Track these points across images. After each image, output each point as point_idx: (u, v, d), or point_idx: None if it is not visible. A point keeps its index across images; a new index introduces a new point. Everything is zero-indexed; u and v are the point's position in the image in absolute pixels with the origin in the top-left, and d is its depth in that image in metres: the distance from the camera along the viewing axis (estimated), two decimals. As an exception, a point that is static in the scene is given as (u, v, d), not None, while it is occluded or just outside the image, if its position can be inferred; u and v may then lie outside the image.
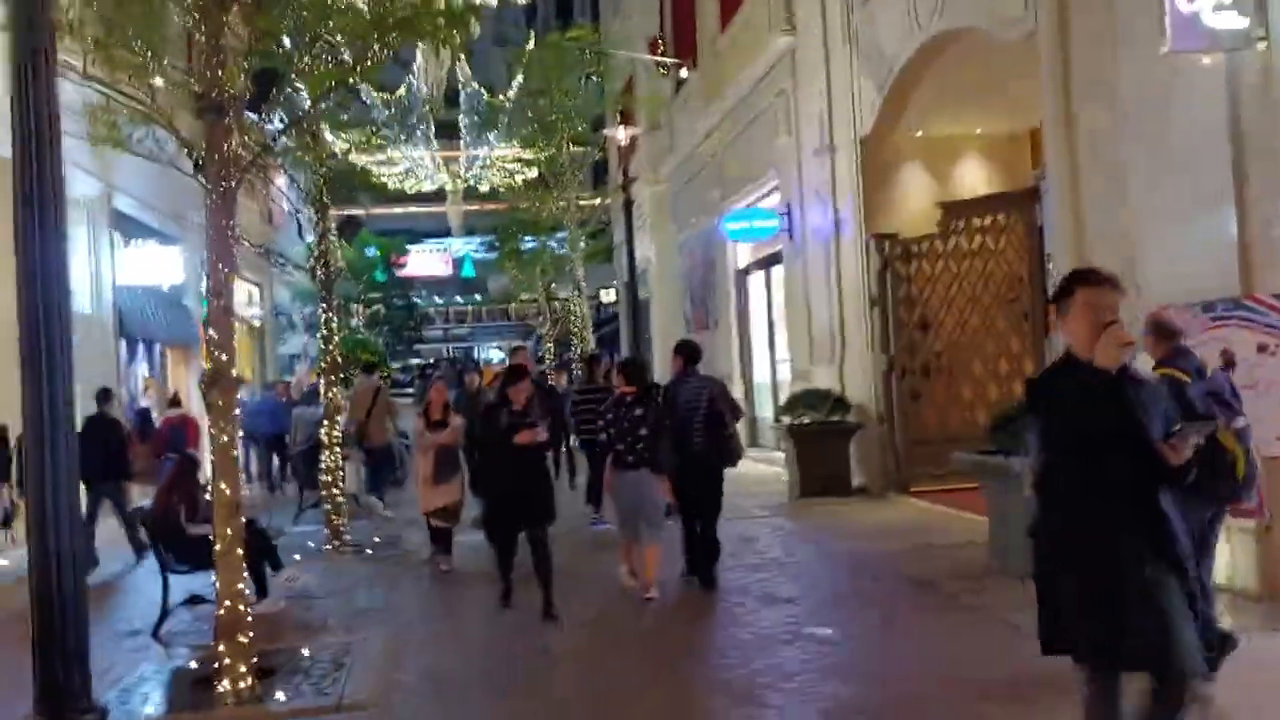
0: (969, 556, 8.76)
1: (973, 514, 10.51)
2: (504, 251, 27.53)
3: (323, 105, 7.02)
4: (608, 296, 36.05)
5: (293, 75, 6.24)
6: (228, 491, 5.98)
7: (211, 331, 6.02)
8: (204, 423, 18.30)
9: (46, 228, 4.30)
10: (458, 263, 59.82)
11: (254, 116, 6.17)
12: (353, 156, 11.18)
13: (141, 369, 18.17)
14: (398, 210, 55.70)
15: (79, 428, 5.47)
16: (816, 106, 14.27)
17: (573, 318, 24.19)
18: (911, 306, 12.88)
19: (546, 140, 18.52)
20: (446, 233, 56.17)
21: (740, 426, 18.87)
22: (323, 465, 10.99)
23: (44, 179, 4.41)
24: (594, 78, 18.71)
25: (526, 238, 27.78)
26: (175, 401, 18.21)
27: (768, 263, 17.81)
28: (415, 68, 23.20)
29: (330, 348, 10.90)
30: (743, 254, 18.99)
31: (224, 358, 5.98)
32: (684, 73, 19.22)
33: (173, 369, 20.89)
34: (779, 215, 15.57)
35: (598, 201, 27.64)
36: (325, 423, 10.98)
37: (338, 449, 10.93)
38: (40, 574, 5.00)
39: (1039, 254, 13.03)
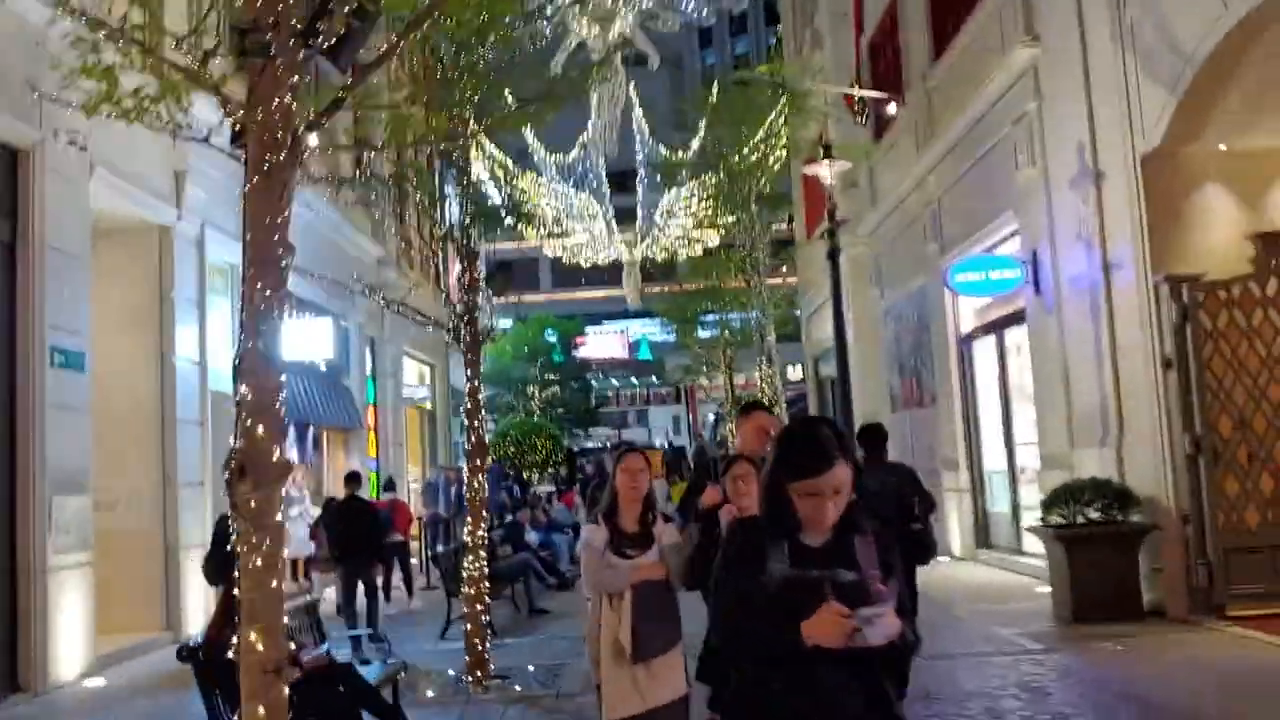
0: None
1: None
2: (685, 324, 25.40)
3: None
4: (794, 374, 33.60)
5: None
6: (261, 646, 3.68)
7: (244, 388, 3.79)
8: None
9: None
10: (634, 345, 58.37)
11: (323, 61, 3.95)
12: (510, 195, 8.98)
13: (292, 454, 16.54)
14: (577, 295, 55.27)
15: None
16: (1073, 127, 11.52)
17: (761, 396, 21.75)
18: (1222, 370, 9.84)
19: (732, 193, 16.30)
20: (623, 315, 55.06)
21: (964, 524, 16.08)
22: (465, 574, 8.72)
23: None
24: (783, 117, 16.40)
25: (706, 315, 25.70)
26: (389, 486, 17.71)
27: (999, 325, 14.92)
28: (589, 127, 21.58)
29: (475, 424, 8.71)
30: (966, 317, 16.14)
31: (261, 431, 3.73)
32: (892, 108, 16.71)
33: (330, 454, 19.36)
34: (1021, 264, 12.76)
35: (784, 270, 25.37)
36: (469, 522, 8.74)
37: (483, 554, 8.65)
38: None
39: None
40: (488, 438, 9.07)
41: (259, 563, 3.71)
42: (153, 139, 10.86)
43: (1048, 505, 10.51)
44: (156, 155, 11.76)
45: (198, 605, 12.27)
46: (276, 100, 3.82)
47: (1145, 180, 10.23)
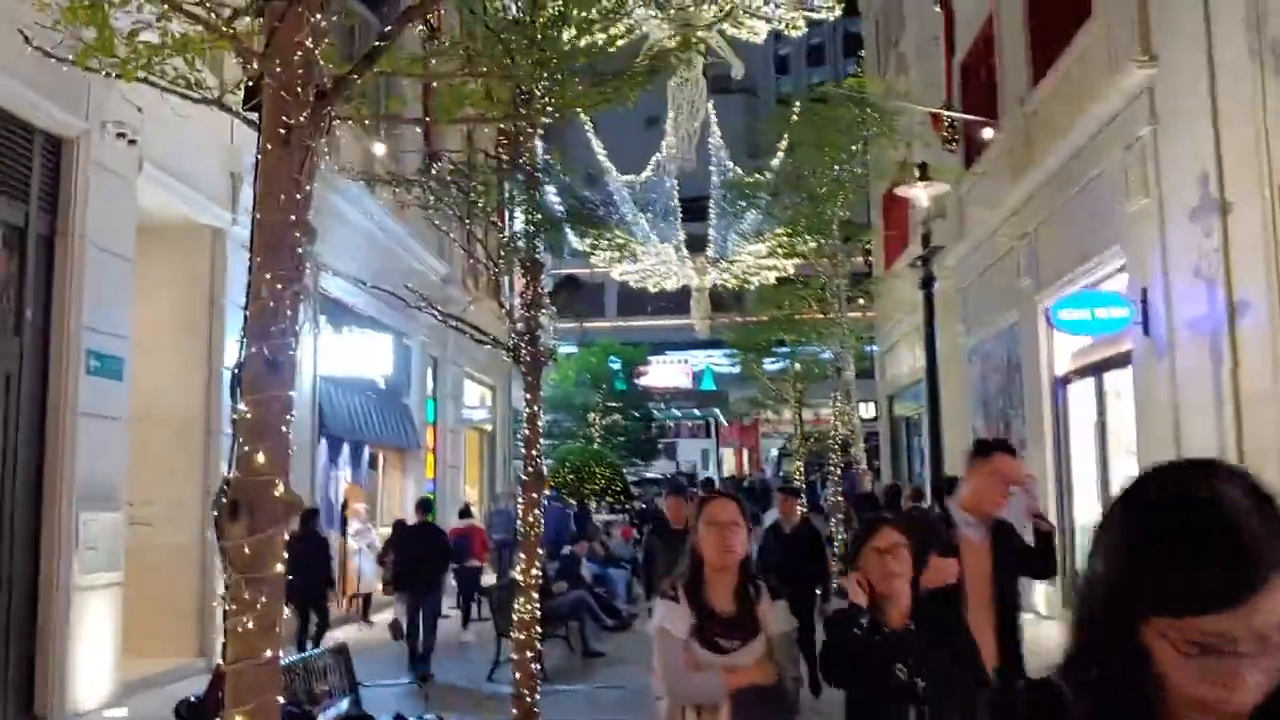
0: None
1: None
2: (755, 354, 24.43)
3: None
4: (864, 412, 32.48)
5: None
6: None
7: (242, 405, 3.04)
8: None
9: None
10: (697, 375, 57.37)
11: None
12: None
13: (344, 474, 15.94)
14: (642, 323, 54.54)
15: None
16: (1195, 153, 10.52)
17: (833, 432, 20.79)
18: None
19: (812, 216, 15.44)
20: (689, 345, 54.16)
21: (1049, 585, 14.94)
22: (515, 616, 7.93)
23: None
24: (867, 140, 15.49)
25: (780, 346, 24.78)
26: (465, 512, 17.30)
27: (1099, 368, 13.85)
28: (661, 148, 20.86)
29: (534, 453, 7.93)
30: (1061, 358, 15.07)
31: (260, 459, 2.98)
32: (988, 133, 15.77)
33: (386, 476, 18.76)
34: (1130, 302, 11.73)
35: (861, 303, 24.41)
36: (522, 558, 7.95)
37: (535, 595, 7.85)
38: None
39: None
40: (546, 465, 8.37)
41: (250, 625, 2.95)
42: (208, 136, 10.34)
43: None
44: (211, 154, 11.27)
45: (234, 630, 11.66)
46: (298, 48, 3.09)
47: (1285, 212, 9.22)
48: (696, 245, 26.55)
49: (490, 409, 26.25)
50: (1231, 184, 10.00)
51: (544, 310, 7.86)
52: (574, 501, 31.54)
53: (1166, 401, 11.18)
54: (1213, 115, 10.22)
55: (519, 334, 7.83)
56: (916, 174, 12.04)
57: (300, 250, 3.14)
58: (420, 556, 11.97)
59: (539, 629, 7.96)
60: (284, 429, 3.07)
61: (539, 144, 7.92)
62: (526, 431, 7.95)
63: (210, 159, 11.28)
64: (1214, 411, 10.23)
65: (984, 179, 17.83)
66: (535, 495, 7.87)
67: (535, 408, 7.93)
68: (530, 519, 7.83)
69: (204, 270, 11.69)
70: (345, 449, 15.79)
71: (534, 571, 7.79)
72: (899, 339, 25.11)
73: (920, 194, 12.03)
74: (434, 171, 8.61)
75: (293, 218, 3.12)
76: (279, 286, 3.08)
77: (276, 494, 2.99)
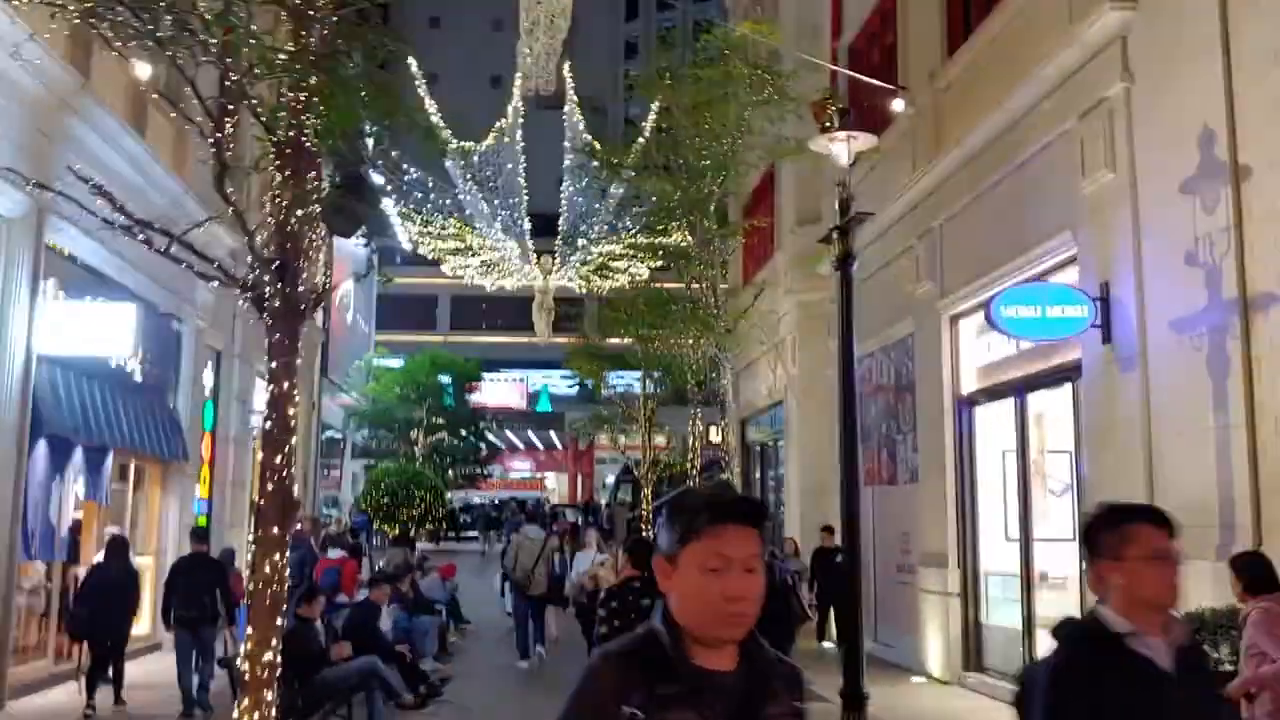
0: None
1: None
2: (602, 367, 21.67)
3: None
4: (714, 437, 30.21)
5: None
6: None
7: None
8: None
9: None
10: (533, 396, 54.27)
11: None
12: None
13: (75, 488, 12.27)
14: (476, 339, 51.18)
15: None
16: (1192, 109, 8.25)
17: (691, 454, 18.16)
18: None
19: (691, 191, 12.82)
20: (524, 364, 51.06)
21: (949, 637, 12.51)
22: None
23: None
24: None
25: (626, 370, 22.12)
26: (338, 542, 16.33)
27: (1018, 387, 11.54)
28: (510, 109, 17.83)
29: (279, 462, 4.83)
30: (967, 375, 12.77)
31: None
32: (898, 105, 13.41)
33: (146, 491, 15.07)
34: (1087, 300, 9.39)
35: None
36: (249, 632, 4.82)
37: (269, 696, 4.73)
38: None
39: None
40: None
41: None
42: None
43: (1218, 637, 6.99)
44: None
45: None
46: None
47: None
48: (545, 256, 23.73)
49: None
50: (1247, 145, 7.74)
51: (309, 222, 4.79)
52: (389, 528, 28.04)
53: (1135, 423, 8.84)
54: (1224, 61, 7.95)
55: (263, 262, 4.74)
56: (835, 122, 9.47)
57: None
58: (193, 589, 10.77)
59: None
60: None
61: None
62: (268, 426, 4.84)
63: None
64: (1211, 438, 7.91)
65: (872, 172, 15.50)
66: (277, 532, 4.76)
67: (285, 385, 4.83)
68: (267, 569, 4.72)
69: None
70: (77, 455, 12.13)
71: (267, 656, 4.68)
72: (757, 357, 22.73)
73: (840, 148, 9.44)
74: None
75: None
76: None
77: None
